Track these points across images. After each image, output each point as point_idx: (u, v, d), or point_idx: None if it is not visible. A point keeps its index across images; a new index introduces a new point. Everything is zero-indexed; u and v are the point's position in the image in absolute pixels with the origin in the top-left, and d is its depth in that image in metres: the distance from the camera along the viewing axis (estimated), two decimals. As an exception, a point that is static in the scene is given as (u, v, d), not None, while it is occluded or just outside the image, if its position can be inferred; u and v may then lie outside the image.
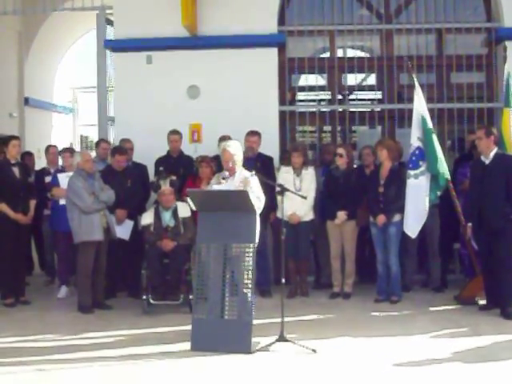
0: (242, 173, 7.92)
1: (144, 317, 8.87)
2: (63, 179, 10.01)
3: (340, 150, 9.85)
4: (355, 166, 10.69)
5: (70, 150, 10.86)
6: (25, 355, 7.09)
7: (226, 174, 7.88)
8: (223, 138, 10.21)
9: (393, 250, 9.44)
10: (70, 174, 9.68)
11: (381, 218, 9.36)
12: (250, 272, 7.23)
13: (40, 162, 13.24)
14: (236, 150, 7.97)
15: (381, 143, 9.68)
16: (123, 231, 9.86)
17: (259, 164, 10.03)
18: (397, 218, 9.40)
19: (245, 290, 7.23)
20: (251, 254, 7.24)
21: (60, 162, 11.18)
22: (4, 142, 9.83)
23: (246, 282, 7.24)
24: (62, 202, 9.90)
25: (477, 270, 9.27)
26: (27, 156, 11.53)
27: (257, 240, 7.56)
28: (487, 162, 8.67)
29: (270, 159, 10.46)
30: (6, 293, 9.62)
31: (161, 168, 10.08)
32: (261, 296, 9.44)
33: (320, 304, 9.53)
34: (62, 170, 10.53)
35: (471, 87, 11.53)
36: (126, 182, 9.99)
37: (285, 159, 10.23)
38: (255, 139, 10.24)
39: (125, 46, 11.56)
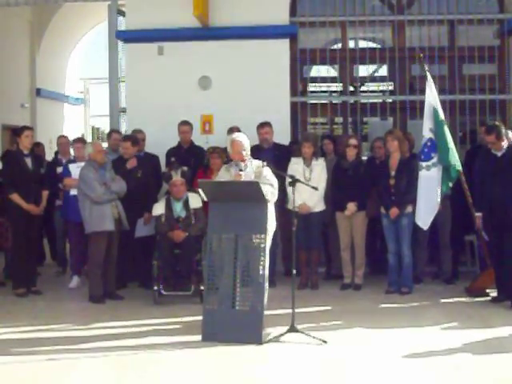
0: (253, 163, 7.92)
1: (155, 307, 8.89)
2: (74, 170, 10.05)
3: (353, 141, 9.82)
4: (366, 157, 10.67)
5: (81, 141, 10.88)
6: (36, 345, 7.13)
7: (242, 164, 7.83)
8: (231, 130, 10.22)
9: (405, 242, 9.43)
10: (82, 164, 9.72)
11: (394, 212, 9.34)
12: (261, 262, 7.24)
13: (51, 153, 13.28)
14: (245, 140, 7.95)
15: (391, 134, 9.63)
16: (147, 229, 9.88)
17: (278, 153, 10.05)
18: (409, 209, 9.38)
19: (256, 281, 7.24)
20: (263, 245, 7.25)
21: (72, 153, 11.19)
22: (17, 132, 9.85)
23: (257, 272, 7.25)
24: (73, 192, 9.95)
25: (488, 261, 9.25)
26: (36, 147, 11.54)
27: (273, 228, 7.63)
28: (499, 154, 8.65)
29: (287, 148, 10.46)
30: (17, 283, 9.65)
31: (172, 159, 10.09)
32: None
33: (331, 295, 9.53)
34: (74, 160, 10.55)
35: (483, 79, 11.50)
36: (137, 172, 10.00)
37: (293, 150, 10.23)
38: (267, 130, 10.24)
39: (136, 36, 11.58)
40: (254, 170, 7.79)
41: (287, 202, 9.50)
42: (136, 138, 10.35)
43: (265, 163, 7.79)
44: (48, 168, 10.65)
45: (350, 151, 9.77)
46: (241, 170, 7.73)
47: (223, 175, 7.98)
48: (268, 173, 7.78)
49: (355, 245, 9.88)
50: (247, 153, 7.90)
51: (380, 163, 10.02)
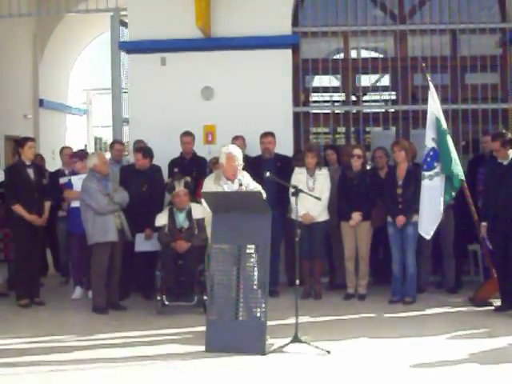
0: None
1: (158, 317, 8.88)
2: (76, 182, 10.07)
3: (358, 151, 9.83)
4: (368, 167, 10.67)
5: (79, 156, 10.82)
6: (39, 356, 7.12)
7: (241, 179, 7.86)
8: (236, 138, 10.25)
9: (410, 251, 9.43)
10: (83, 176, 9.75)
11: (400, 219, 9.35)
12: (263, 273, 7.22)
13: (54, 164, 13.29)
14: (239, 153, 7.97)
15: (398, 144, 9.66)
16: (148, 244, 9.88)
17: (279, 164, 10.07)
18: (415, 218, 9.36)
19: (259, 291, 7.23)
20: (265, 255, 7.24)
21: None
22: (19, 143, 9.85)
23: (259, 282, 7.23)
24: (74, 204, 9.97)
25: (491, 270, 9.24)
26: (34, 157, 11.52)
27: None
28: (505, 162, 8.65)
29: (289, 159, 10.47)
30: (20, 294, 9.63)
31: (175, 169, 10.08)
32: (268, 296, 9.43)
33: (334, 305, 9.52)
34: (76, 172, 10.54)
35: (485, 88, 11.50)
36: (144, 184, 10.00)
37: (298, 160, 10.23)
38: (270, 140, 10.27)
39: (139, 47, 11.60)
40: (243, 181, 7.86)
41: (290, 212, 9.52)
42: (147, 149, 10.31)
43: (267, 173, 7.78)
44: (51, 179, 10.65)
45: (355, 161, 9.77)
46: (241, 185, 7.75)
47: (212, 188, 7.92)
48: (251, 180, 7.84)
49: (359, 255, 9.86)
50: (240, 167, 7.91)
51: (386, 173, 10.00)
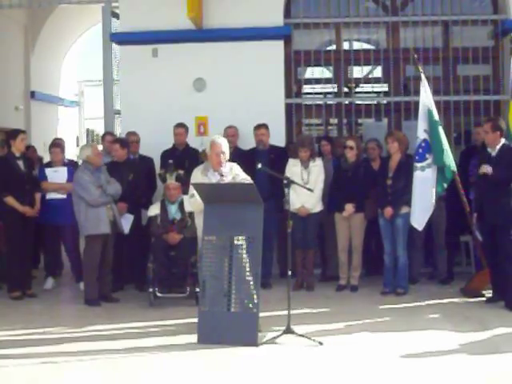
0: (227, 165, 7.89)
1: (150, 309, 8.88)
2: (51, 174, 10.10)
3: (350, 143, 9.83)
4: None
5: (58, 145, 10.74)
6: (31, 348, 7.11)
7: (222, 170, 7.76)
8: (229, 127, 10.25)
9: (400, 242, 9.43)
10: (58, 168, 10.01)
11: (388, 211, 9.35)
12: (255, 264, 7.22)
13: (46, 156, 13.23)
14: (224, 143, 7.89)
15: (392, 135, 9.65)
16: (123, 224, 9.86)
17: (273, 156, 10.05)
18: (404, 210, 9.37)
19: (251, 283, 7.23)
20: (257, 247, 7.24)
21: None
22: (11, 135, 9.82)
23: (251, 274, 7.23)
24: (49, 196, 10.02)
25: (483, 262, 9.26)
26: (26, 149, 11.48)
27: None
28: (493, 153, 8.66)
29: (284, 150, 10.46)
30: (12, 286, 9.63)
31: (170, 161, 10.03)
32: (261, 287, 9.40)
33: (326, 296, 9.54)
34: (48, 164, 10.58)
35: (477, 79, 11.51)
36: (128, 175, 9.98)
37: (290, 150, 10.22)
38: (263, 131, 10.26)
39: (130, 39, 11.55)
40: (231, 172, 7.80)
41: (286, 203, 9.49)
42: (125, 140, 10.33)
43: (260, 165, 7.76)
44: (40, 171, 10.62)
45: (348, 153, 9.77)
46: (222, 176, 7.69)
47: (199, 178, 7.88)
48: (241, 171, 7.81)
49: (353, 246, 9.87)
50: (226, 156, 7.85)
51: (380, 164, 10.01)
